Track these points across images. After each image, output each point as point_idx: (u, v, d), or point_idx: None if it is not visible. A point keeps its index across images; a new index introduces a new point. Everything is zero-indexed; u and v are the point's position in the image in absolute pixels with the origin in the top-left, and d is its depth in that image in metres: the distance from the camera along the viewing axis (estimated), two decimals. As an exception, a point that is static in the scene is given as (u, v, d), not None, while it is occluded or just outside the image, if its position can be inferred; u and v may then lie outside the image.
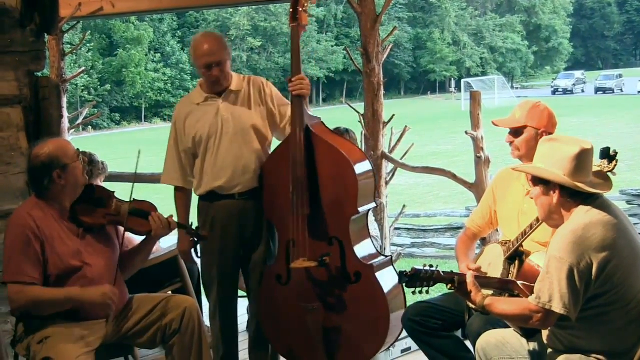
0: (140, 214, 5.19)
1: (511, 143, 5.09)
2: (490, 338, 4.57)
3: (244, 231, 5.72)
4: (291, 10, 5.54)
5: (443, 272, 4.43)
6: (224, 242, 5.71)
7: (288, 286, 5.61)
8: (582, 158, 4.10)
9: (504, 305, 4.23)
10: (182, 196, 5.81)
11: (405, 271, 4.38)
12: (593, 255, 3.92)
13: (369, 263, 5.48)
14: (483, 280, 4.54)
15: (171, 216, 5.27)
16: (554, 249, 3.98)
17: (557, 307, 3.92)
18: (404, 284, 4.46)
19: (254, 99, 5.70)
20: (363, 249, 5.57)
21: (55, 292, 4.92)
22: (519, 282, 4.54)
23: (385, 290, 5.41)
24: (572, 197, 4.11)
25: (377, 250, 5.76)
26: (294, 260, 5.47)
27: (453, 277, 4.43)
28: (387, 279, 5.52)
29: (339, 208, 5.47)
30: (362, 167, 5.52)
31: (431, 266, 4.43)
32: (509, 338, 4.50)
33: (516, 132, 5.05)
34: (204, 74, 5.56)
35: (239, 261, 5.82)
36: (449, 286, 4.46)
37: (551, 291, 3.94)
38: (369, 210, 5.68)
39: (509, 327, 4.52)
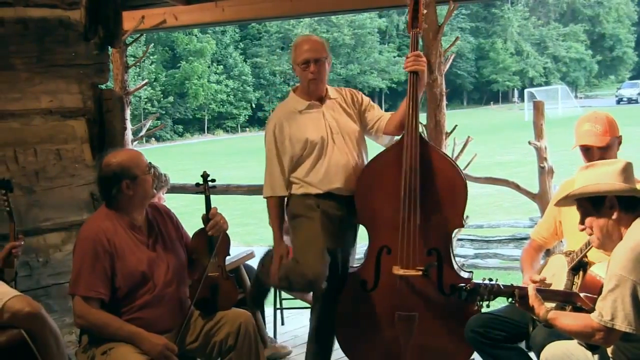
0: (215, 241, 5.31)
1: (601, 158, 4.98)
2: (555, 350, 4.52)
3: (343, 230, 5.80)
4: (411, 14, 5.56)
5: (503, 285, 4.41)
6: (338, 232, 5.74)
7: (372, 293, 5.60)
8: (628, 170, 4.16)
9: (567, 320, 4.18)
10: (277, 204, 5.80)
11: (464, 285, 4.35)
12: None
13: (466, 277, 5.52)
14: (545, 294, 4.50)
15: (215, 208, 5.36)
16: (615, 267, 3.93)
17: (621, 326, 3.88)
18: (463, 299, 4.43)
19: (351, 106, 5.85)
20: (455, 263, 5.61)
21: (119, 327, 4.92)
22: (581, 294, 4.49)
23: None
24: (628, 210, 4.08)
25: (458, 265, 5.77)
26: (392, 266, 5.47)
27: (513, 290, 4.41)
28: None
29: (445, 220, 5.53)
30: (465, 181, 5.58)
31: (490, 280, 4.40)
32: (573, 350, 4.44)
33: (604, 149, 5.03)
34: (302, 71, 5.66)
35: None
36: (510, 299, 4.43)
37: (614, 309, 3.90)
38: None
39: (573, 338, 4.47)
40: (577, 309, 4.47)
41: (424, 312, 5.50)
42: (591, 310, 4.19)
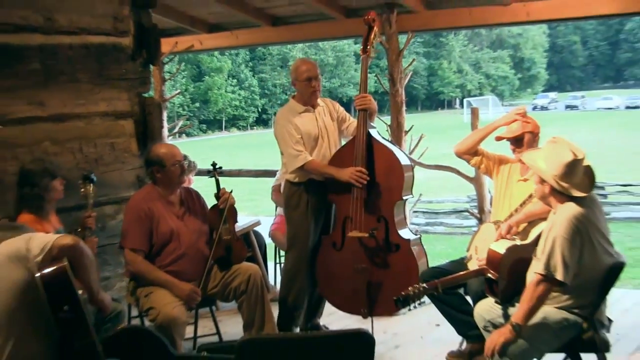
0: (225, 213, 5.40)
1: (514, 150, 5.12)
2: (483, 305, 4.55)
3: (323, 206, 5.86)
4: (363, 44, 5.72)
5: (426, 285, 4.50)
6: (317, 213, 5.82)
7: (341, 251, 5.69)
8: (572, 166, 4.06)
9: (524, 305, 4.05)
10: (315, 160, 5.69)
11: (398, 297, 4.44)
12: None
13: (406, 238, 5.54)
14: (461, 277, 4.67)
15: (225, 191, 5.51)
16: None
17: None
18: (399, 306, 4.54)
19: (333, 113, 5.92)
20: (402, 228, 5.63)
21: (157, 275, 5.06)
22: (486, 268, 4.54)
23: (417, 260, 5.50)
24: (561, 194, 4.08)
25: (412, 232, 5.77)
26: (350, 231, 5.55)
27: (436, 285, 4.52)
28: (418, 251, 5.61)
29: (388, 194, 5.54)
30: (407, 165, 5.62)
31: (415, 286, 4.49)
32: (494, 305, 4.48)
33: (517, 140, 5.07)
34: (306, 86, 5.71)
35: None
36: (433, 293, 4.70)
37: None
38: (407, 199, 5.71)
39: None
40: (488, 280, 4.51)
41: (374, 265, 5.57)
42: (497, 279, 4.33)
